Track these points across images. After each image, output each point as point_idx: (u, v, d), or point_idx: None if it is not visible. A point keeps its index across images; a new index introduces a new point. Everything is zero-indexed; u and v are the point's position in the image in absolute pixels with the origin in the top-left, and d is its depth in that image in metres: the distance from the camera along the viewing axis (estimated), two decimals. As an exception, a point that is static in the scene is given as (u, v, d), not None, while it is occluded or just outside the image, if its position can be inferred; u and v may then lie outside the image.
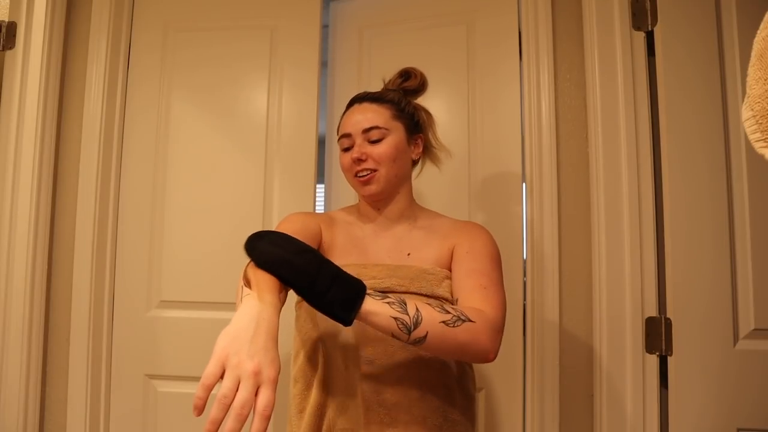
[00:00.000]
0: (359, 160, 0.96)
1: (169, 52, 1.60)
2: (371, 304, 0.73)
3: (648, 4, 1.32)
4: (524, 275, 1.39)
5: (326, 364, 0.90)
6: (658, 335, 1.24)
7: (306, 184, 1.51)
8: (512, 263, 1.39)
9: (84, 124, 1.53)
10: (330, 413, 0.89)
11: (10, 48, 1.49)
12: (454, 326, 0.77)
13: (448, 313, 0.77)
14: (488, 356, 0.81)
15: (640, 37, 1.33)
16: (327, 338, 0.90)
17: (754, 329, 1.19)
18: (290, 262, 0.70)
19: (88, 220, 1.50)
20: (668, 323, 1.23)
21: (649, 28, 1.31)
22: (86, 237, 1.50)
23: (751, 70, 0.48)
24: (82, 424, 1.45)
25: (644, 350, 1.25)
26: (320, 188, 1.65)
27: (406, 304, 0.75)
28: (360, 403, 0.87)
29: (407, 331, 0.74)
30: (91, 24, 1.56)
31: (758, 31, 0.48)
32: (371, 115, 0.98)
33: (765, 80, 0.46)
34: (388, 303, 0.74)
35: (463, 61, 1.50)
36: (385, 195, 0.99)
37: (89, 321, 1.47)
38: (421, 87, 1.06)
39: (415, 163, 1.06)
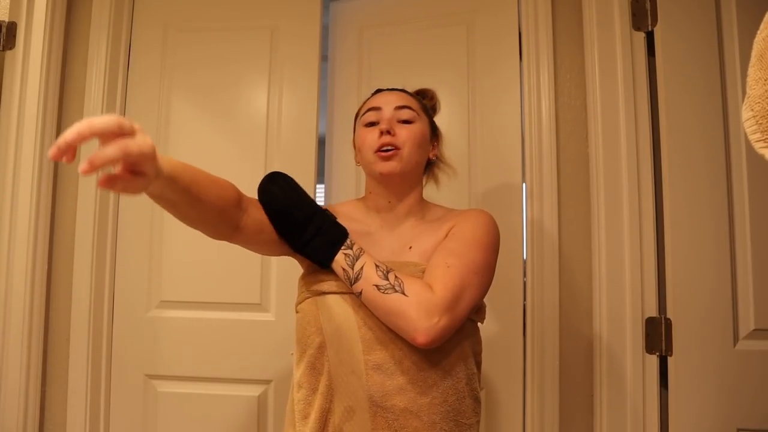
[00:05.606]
0: (387, 133, 0.92)
1: (169, 51, 1.60)
2: (338, 254, 0.86)
3: (648, 4, 1.32)
4: (524, 275, 1.39)
5: (331, 369, 0.88)
6: (658, 335, 1.24)
7: (306, 184, 1.48)
8: (512, 263, 1.39)
9: (84, 124, 1.53)
10: (335, 419, 0.87)
11: (10, 48, 1.49)
12: (384, 293, 0.82)
13: (386, 280, 0.82)
14: (416, 336, 0.79)
15: (640, 37, 1.33)
16: (332, 343, 0.89)
17: (754, 329, 1.19)
18: (289, 214, 0.87)
19: (88, 220, 1.50)
20: (668, 323, 1.23)
21: (649, 28, 1.31)
22: (86, 237, 1.49)
23: (751, 71, 0.48)
24: (82, 424, 1.45)
25: (644, 350, 1.26)
26: (320, 188, 1.65)
27: (358, 259, 0.85)
28: (367, 408, 0.85)
29: (350, 283, 0.85)
30: (91, 24, 1.55)
31: (758, 32, 0.48)
32: (404, 97, 0.99)
33: (765, 81, 0.46)
34: (344, 254, 0.86)
35: (463, 61, 1.50)
36: (401, 179, 0.96)
37: (89, 321, 1.47)
38: (434, 109, 1.08)
39: (428, 164, 1.04)
